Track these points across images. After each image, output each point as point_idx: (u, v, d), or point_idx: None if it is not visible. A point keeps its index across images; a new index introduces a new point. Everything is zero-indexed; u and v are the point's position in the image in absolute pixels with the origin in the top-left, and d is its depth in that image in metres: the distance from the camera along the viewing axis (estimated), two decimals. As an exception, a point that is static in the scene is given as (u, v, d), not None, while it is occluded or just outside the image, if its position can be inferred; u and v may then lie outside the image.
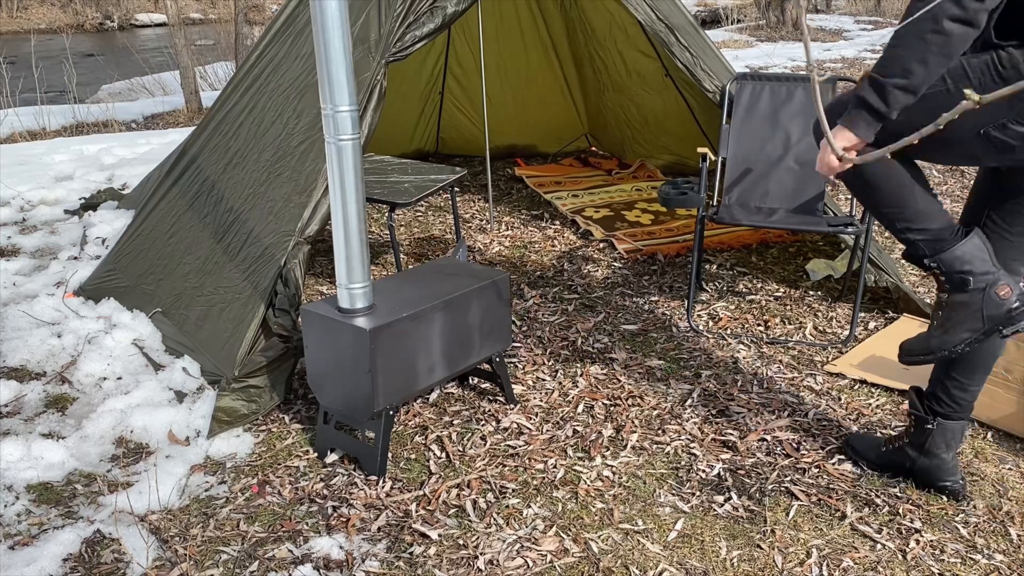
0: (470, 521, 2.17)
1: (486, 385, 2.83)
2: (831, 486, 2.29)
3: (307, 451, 2.48)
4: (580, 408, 2.69)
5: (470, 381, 2.84)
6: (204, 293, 2.93)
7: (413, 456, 2.45)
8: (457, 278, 2.53)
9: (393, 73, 5.08)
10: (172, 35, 8.16)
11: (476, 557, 2.04)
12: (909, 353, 2.02)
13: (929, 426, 2.17)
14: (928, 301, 3.24)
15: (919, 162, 2.02)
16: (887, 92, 1.73)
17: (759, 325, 3.25)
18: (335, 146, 2.15)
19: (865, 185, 1.98)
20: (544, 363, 2.98)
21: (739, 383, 2.82)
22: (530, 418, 2.63)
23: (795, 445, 2.46)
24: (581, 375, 2.90)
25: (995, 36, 1.76)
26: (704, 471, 2.36)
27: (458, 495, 2.27)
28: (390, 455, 2.44)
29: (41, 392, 2.78)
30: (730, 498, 2.24)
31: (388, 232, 4.05)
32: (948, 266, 1.93)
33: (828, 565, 1.99)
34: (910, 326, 3.13)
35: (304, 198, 2.79)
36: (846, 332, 3.16)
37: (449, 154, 5.83)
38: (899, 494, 2.24)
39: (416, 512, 2.21)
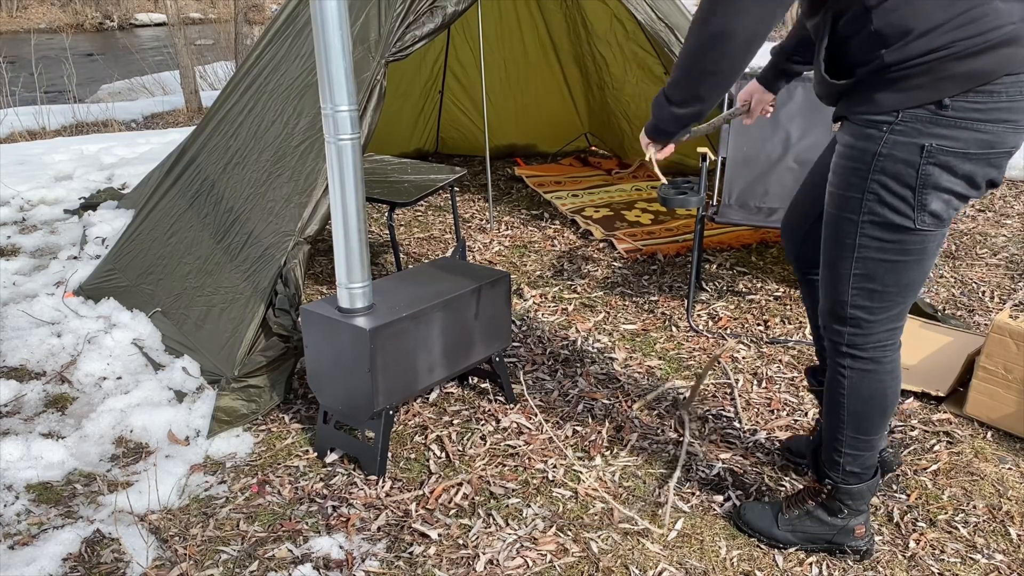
0: (470, 521, 2.17)
1: (486, 385, 2.83)
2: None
3: (307, 451, 2.48)
4: (580, 408, 2.69)
5: (470, 381, 2.84)
6: (204, 293, 2.93)
7: (413, 456, 2.45)
8: (457, 278, 2.53)
9: (393, 72, 5.08)
10: (172, 35, 8.17)
11: (476, 557, 2.04)
12: (747, 524, 2.09)
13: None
14: (928, 300, 3.24)
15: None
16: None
17: (759, 325, 3.25)
18: (335, 146, 2.15)
19: (862, 400, 1.85)
20: (544, 363, 2.98)
21: (739, 383, 2.82)
22: (530, 418, 2.63)
23: (795, 445, 2.46)
24: (581, 375, 2.90)
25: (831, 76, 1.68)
26: (704, 471, 2.36)
27: (458, 495, 2.27)
28: (390, 455, 2.44)
29: (41, 392, 2.78)
30: (730, 498, 2.24)
31: (388, 232, 4.05)
32: (841, 494, 1.95)
33: (828, 565, 1.99)
34: (909, 325, 3.13)
35: (304, 198, 2.79)
36: (846, 332, 3.16)
37: (449, 154, 5.83)
38: (899, 494, 2.24)
39: (416, 512, 2.21)
